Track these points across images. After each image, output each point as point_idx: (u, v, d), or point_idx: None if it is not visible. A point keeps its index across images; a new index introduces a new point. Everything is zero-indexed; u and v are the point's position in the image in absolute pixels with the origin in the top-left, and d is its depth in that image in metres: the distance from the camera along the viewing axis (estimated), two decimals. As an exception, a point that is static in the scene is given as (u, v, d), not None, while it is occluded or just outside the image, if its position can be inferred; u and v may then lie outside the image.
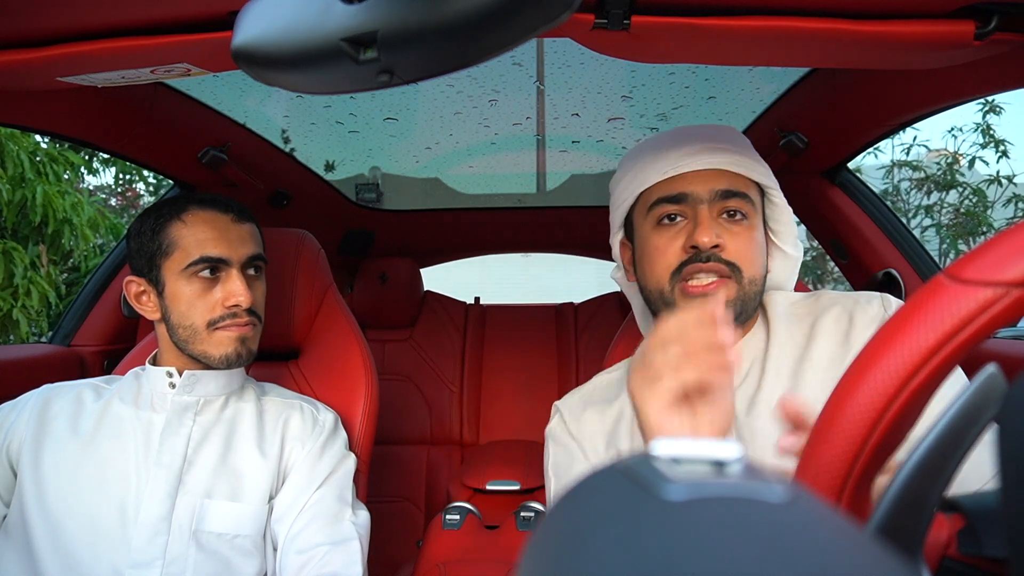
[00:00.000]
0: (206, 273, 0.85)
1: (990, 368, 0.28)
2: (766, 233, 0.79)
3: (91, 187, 6.56)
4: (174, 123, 1.24)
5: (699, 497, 0.18)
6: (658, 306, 0.76)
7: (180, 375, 0.87)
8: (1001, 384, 0.28)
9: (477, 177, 2.12)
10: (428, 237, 2.18)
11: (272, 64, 0.44)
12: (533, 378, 1.98)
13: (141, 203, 6.75)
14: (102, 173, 5.55)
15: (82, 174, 4.97)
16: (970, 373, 0.30)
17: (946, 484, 0.28)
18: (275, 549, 0.87)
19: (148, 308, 0.87)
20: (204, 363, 0.87)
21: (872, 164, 6.58)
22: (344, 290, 2.14)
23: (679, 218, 0.73)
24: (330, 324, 1.13)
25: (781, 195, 0.77)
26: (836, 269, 5.42)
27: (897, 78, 0.99)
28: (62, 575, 0.77)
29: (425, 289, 2.13)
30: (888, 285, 1.39)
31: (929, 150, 6.05)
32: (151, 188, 6.59)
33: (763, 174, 0.75)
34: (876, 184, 5.91)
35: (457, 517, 1.34)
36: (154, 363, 0.90)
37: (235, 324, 0.86)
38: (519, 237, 2.23)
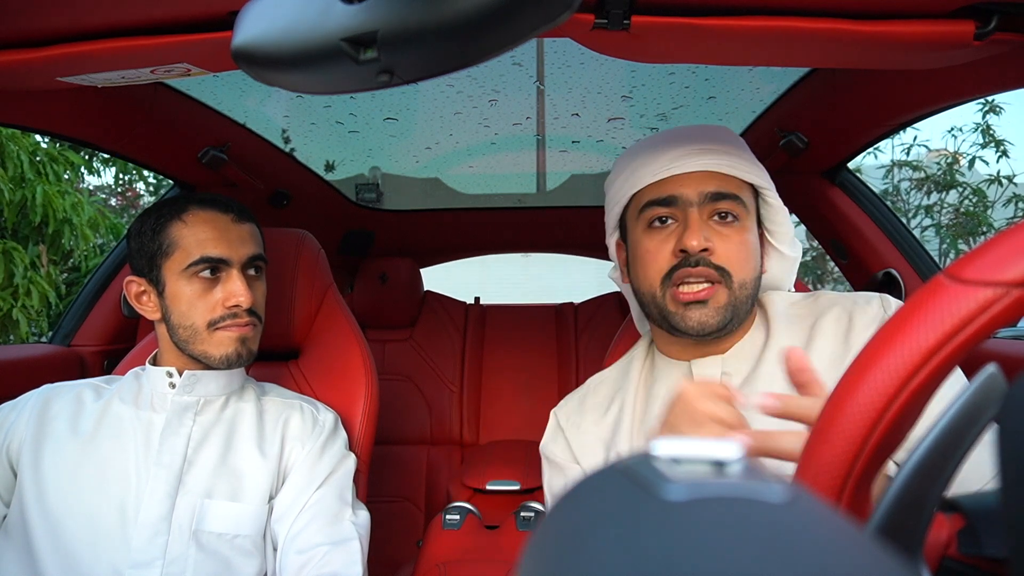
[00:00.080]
0: (206, 273, 0.85)
1: (990, 368, 0.28)
2: (762, 234, 0.79)
3: (91, 187, 6.57)
4: (174, 123, 1.24)
5: (699, 497, 0.18)
6: (651, 310, 0.76)
7: (180, 375, 0.87)
8: (1001, 384, 0.28)
9: (477, 177, 2.12)
10: (428, 237, 2.18)
11: (272, 64, 0.44)
12: (533, 378, 1.98)
13: (141, 203, 6.75)
14: (102, 173, 5.55)
15: (82, 174, 4.97)
16: (970, 373, 0.30)
17: (946, 484, 0.28)
18: (275, 549, 0.87)
19: (148, 308, 0.87)
20: (204, 363, 0.87)
21: (872, 164, 6.58)
22: (344, 290, 2.14)
23: (669, 221, 0.73)
24: (330, 324, 1.13)
25: (776, 195, 0.77)
26: (836, 269, 5.42)
27: (897, 78, 0.99)
28: (62, 575, 0.77)
29: (425, 289, 2.13)
30: (888, 285, 1.39)
31: (929, 150, 6.05)
32: (151, 188, 6.59)
33: (756, 175, 0.75)
34: (876, 184, 5.91)
35: (457, 517, 1.34)
36: (154, 363, 0.90)
37: (235, 324, 0.86)
38: (519, 237, 2.23)
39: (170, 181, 1.49)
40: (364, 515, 0.91)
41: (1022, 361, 1.09)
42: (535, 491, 1.49)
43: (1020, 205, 5.32)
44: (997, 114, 5.30)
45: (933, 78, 0.93)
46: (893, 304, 0.72)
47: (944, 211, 5.86)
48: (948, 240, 5.60)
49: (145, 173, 5.83)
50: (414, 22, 0.37)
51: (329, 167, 1.95)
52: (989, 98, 5.08)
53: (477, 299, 2.18)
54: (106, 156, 4.86)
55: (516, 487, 1.50)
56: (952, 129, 5.61)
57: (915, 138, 5.88)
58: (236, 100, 1.37)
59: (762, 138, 1.38)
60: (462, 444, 1.94)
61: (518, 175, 2.10)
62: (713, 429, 0.54)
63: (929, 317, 0.28)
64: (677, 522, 0.17)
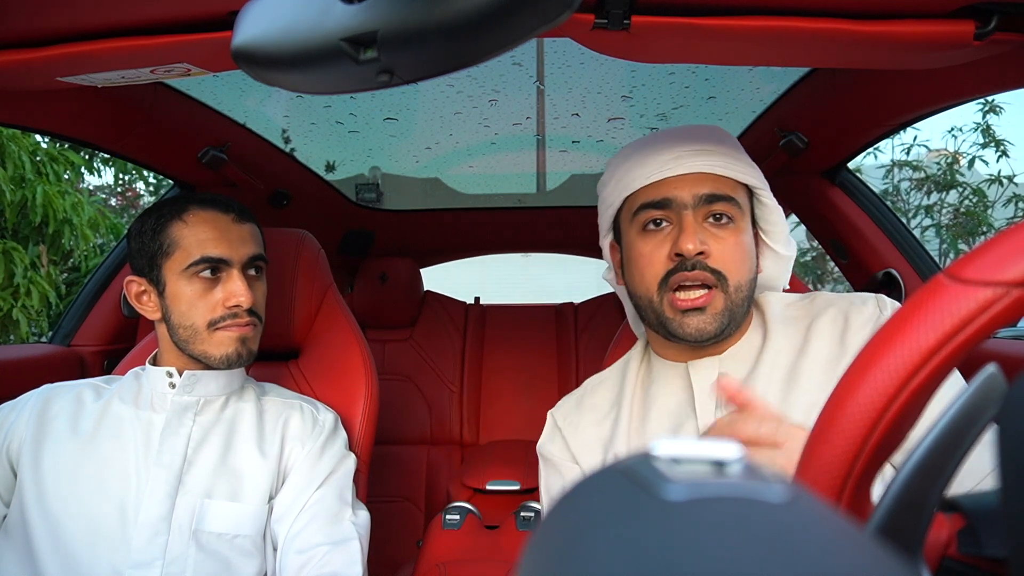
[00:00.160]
0: (207, 273, 0.85)
1: (990, 368, 0.28)
2: (757, 233, 0.78)
3: (91, 187, 6.57)
4: (174, 123, 1.24)
5: (699, 497, 0.18)
6: (647, 314, 0.76)
7: (180, 375, 0.87)
8: (1001, 384, 0.28)
9: (477, 177, 2.12)
10: (428, 237, 2.18)
11: (272, 64, 0.44)
12: (533, 378, 1.98)
13: (141, 203, 6.75)
14: (103, 172, 5.55)
15: (82, 174, 4.97)
16: (970, 373, 0.30)
17: (946, 484, 0.28)
18: (275, 549, 0.87)
19: (149, 308, 0.87)
20: (204, 363, 0.87)
21: (872, 164, 6.58)
22: (344, 290, 2.14)
23: (664, 223, 0.73)
24: (330, 324, 1.13)
25: (770, 195, 0.76)
26: (836, 269, 5.42)
27: (897, 78, 0.99)
28: (62, 575, 0.77)
29: (425, 289, 2.13)
30: (888, 285, 1.39)
31: (929, 150, 6.05)
32: (151, 188, 6.59)
33: (750, 175, 0.74)
34: (876, 184, 5.91)
35: (457, 517, 1.34)
36: (154, 363, 0.90)
37: (236, 324, 0.86)
38: (519, 237, 2.23)
39: (170, 181, 1.49)
40: (364, 515, 0.91)
41: (1022, 361, 1.09)
42: (535, 491, 1.49)
43: (1020, 205, 5.32)
44: (997, 114, 5.30)
45: (933, 78, 0.93)
46: (889, 304, 0.72)
47: (944, 211, 5.86)
48: (948, 240, 5.60)
49: (145, 173, 5.83)
50: (414, 22, 0.37)
51: (330, 167, 1.95)
52: (989, 98, 5.08)
53: (477, 299, 2.18)
54: (106, 156, 4.86)
55: (516, 487, 1.50)
56: (952, 129, 5.61)
57: (915, 138, 5.88)
58: (236, 100, 1.37)
59: (762, 138, 1.38)
60: (462, 444, 1.94)
61: (518, 175, 2.10)
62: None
63: (929, 317, 0.28)
64: (677, 522, 0.17)
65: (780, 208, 0.77)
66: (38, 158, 3.95)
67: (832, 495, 0.30)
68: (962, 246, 5.64)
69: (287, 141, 1.74)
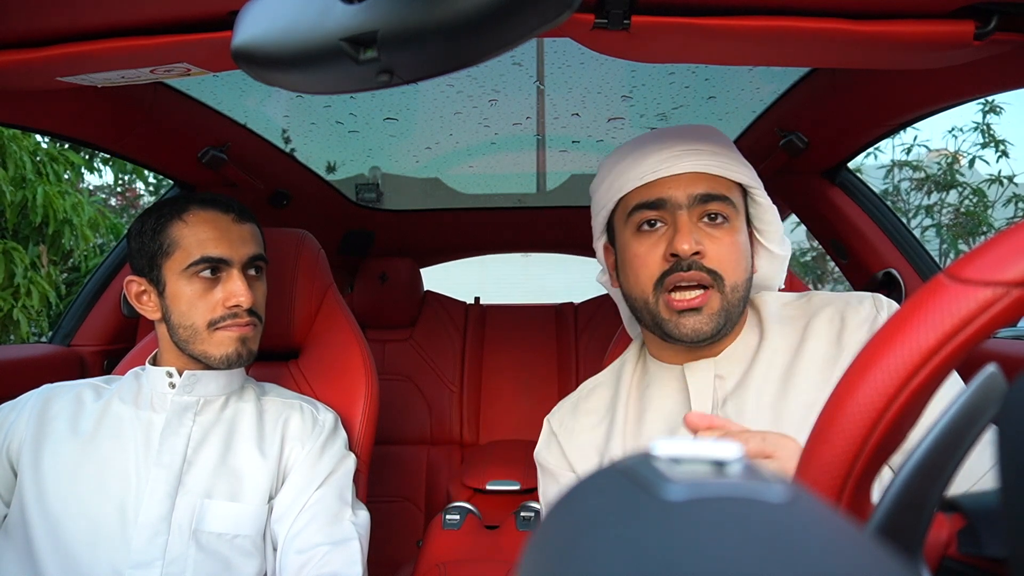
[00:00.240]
0: (207, 273, 0.85)
1: (990, 368, 0.28)
2: (751, 233, 0.78)
3: (91, 187, 6.56)
4: (174, 123, 1.24)
5: (699, 497, 0.18)
6: (643, 315, 0.75)
7: (180, 375, 0.87)
8: (1001, 384, 0.28)
9: (477, 177, 2.12)
10: (428, 237, 2.18)
11: (272, 64, 0.44)
12: (533, 378, 1.98)
13: (141, 203, 6.75)
14: (103, 172, 5.55)
15: (82, 174, 4.97)
16: (970, 373, 0.30)
17: (946, 484, 0.28)
18: (275, 549, 0.87)
19: (149, 308, 0.87)
20: (204, 363, 0.87)
21: (872, 164, 6.58)
22: (344, 290, 2.14)
23: (659, 224, 0.72)
24: (330, 324, 1.13)
25: (764, 194, 0.76)
26: (836, 269, 5.42)
27: (897, 78, 0.99)
28: (62, 575, 0.77)
29: (425, 289, 2.13)
30: (888, 285, 1.39)
31: (929, 150, 6.05)
32: (151, 188, 6.59)
33: (745, 174, 0.74)
34: (876, 184, 5.91)
35: (457, 517, 1.34)
36: (154, 363, 0.90)
37: (236, 324, 0.86)
38: (519, 237, 2.23)
39: (170, 181, 1.49)
40: (364, 515, 0.91)
41: (1022, 361, 1.09)
42: (535, 491, 1.49)
43: (1020, 205, 5.33)
44: (997, 114, 5.31)
45: (933, 78, 0.93)
46: (886, 304, 0.72)
47: (944, 211, 5.87)
48: (948, 240, 5.60)
49: (145, 173, 5.83)
50: (414, 22, 0.37)
51: (331, 168, 1.95)
52: (989, 98, 5.08)
53: (477, 299, 2.18)
54: (106, 156, 4.86)
55: (516, 487, 1.50)
56: (952, 129, 5.61)
57: (915, 138, 5.89)
58: (236, 100, 1.37)
59: (762, 138, 1.38)
60: (462, 444, 1.94)
61: (518, 175, 2.10)
62: None
63: (929, 317, 0.28)
64: (677, 522, 0.17)
65: (774, 207, 0.77)
66: (38, 158, 3.95)
67: (832, 495, 0.30)
68: (962, 246, 5.65)
69: (287, 141, 1.74)
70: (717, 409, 0.73)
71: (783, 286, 0.84)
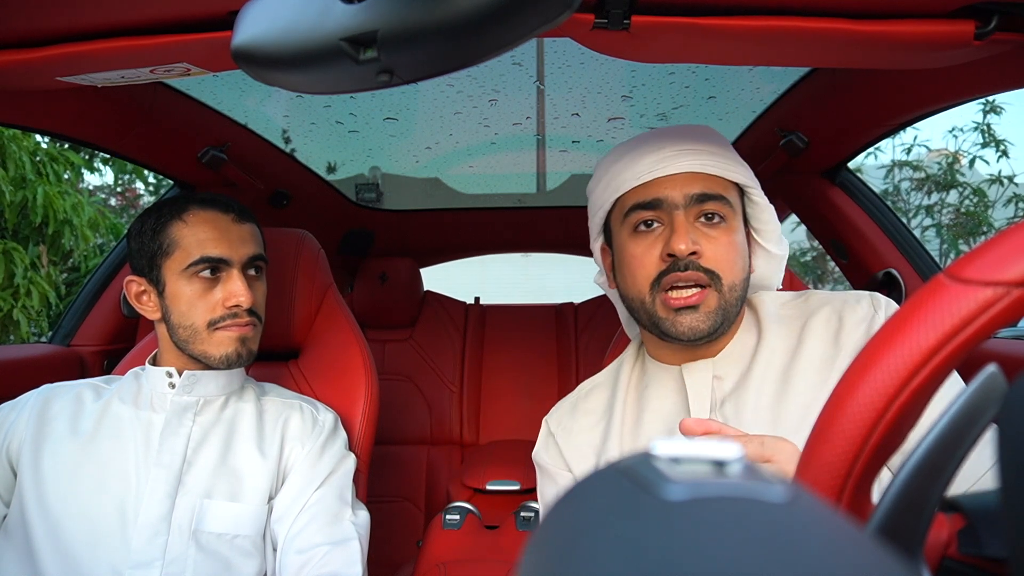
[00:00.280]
0: (207, 273, 0.85)
1: (990, 368, 0.28)
2: (749, 232, 0.78)
3: (91, 187, 6.56)
4: (174, 123, 1.24)
5: (699, 497, 0.18)
6: (640, 315, 0.75)
7: (180, 375, 0.87)
8: (1001, 384, 0.28)
9: (477, 177, 2.12)
10: (428, 237, 2.18)
11: (272, 64, 0.44)
12: (533, 378, 1.98)
13: (141, 203, 6.75)
14: (103, 172, 5.55)
15: (82, 174, 4.97)
16: (970, 373, 0.30)
17: (946, 484, 0.28)
18: (275, 549, 0.87)
19: (148, 308, 0.87)
20: (204, 363, 0.87)
21: (872, 164, 6.59)
22: (344, 290, 2.14)
23: (655, 224, 0.72)
24: (330, 324, 1.13)
25: (761, 194, 0.75)
26: (836, 269, 5.41)
27: (897, 78, 0.99)
28: (62, 575, 0.77)
29: (425, 289, 2.13)
30: (888, 285, 1.39)
31: (929, 150, 6.05)
32: (151, 188, 6.59)
33: (741, 174, 0.73)
34: (876, 184, 5.90)
35: (457, 517, 1.34)
36: (154, 363, 0.90)
37: (235, 324, 0.86)
38: (519, 237, 2.23)
39: (170, 181, 1.49)
40: (364, 515, 0.91)
41: (1022, 361, 1.09)
42: (535, 491, 1.49)
43: (1020, 205, 5.33)
44: (997, 114, 5.31)
45: (933, 78, 0.93)
46: (883, 303, 0.72)
47: (944, 211, 5.87)
48: (948, 240, 5.60)
49: (145, 173, 5.83)
50: (414, 22, 0.37)
51: (331, 168, 1.95)
52: (989, 98, 5.08)
53: (477, 299, 2.18)
54: (106, 156, 4.86)
55: (516, 487, 1.50)
56: (952, 129, 5.62)
57: (915, 138, 5.89)
58: (236, 100, 1.37)
59: (762, 138, 1.38)
60: (462, 444, 1.94)
61: (518, 175, 2.10)
62: None
63: (929, 317, 0.28)
64: (677, 522, 0.17)
65: (771, 207, 0.77)
66: (38, 158, 3.95)
67: (832, 495, 0.30)
68: (962, 246, 5.65)
69: (287, 141, 1.74)
70: (716, 410, 0.73)
71: (781, 286, 0.84)
